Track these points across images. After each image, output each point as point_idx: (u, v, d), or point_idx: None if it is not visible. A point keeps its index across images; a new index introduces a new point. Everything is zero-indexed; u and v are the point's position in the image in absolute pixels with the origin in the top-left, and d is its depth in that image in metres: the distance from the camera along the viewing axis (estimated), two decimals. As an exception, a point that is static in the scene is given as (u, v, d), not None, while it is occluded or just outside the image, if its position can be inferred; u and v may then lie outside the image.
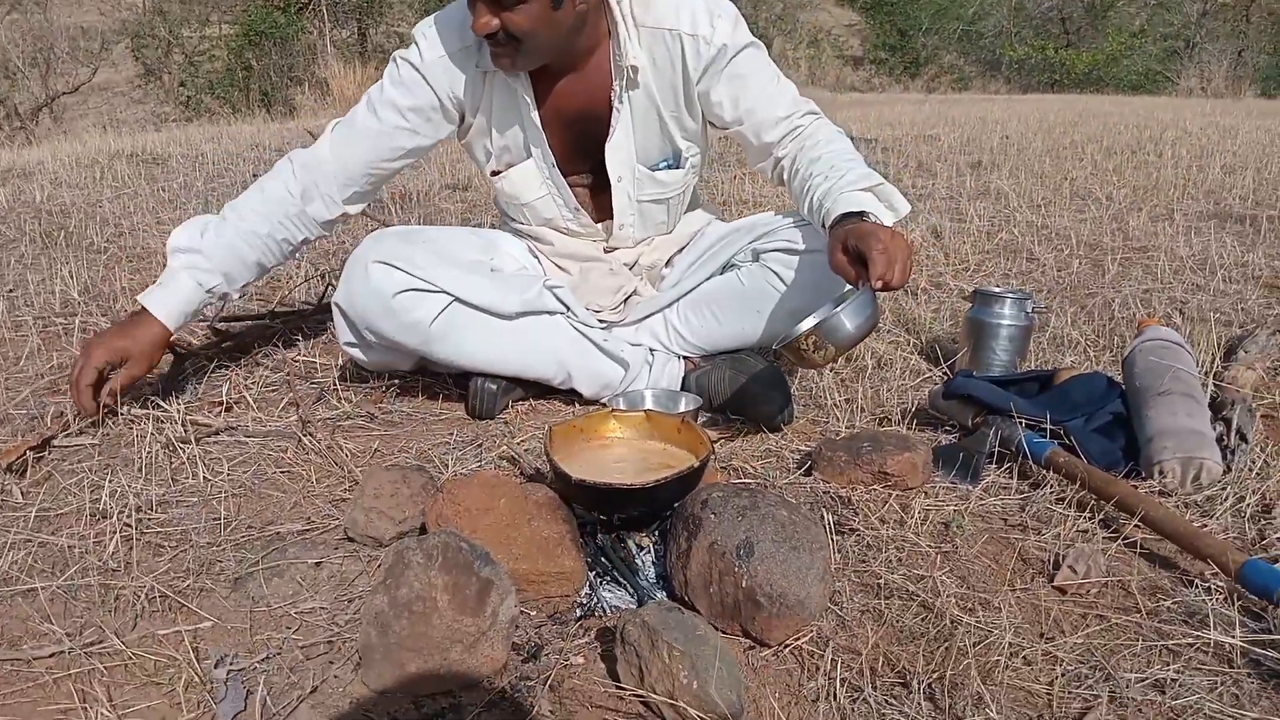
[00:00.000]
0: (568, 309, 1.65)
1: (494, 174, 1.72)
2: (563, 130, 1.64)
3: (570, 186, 1.70)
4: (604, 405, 1.67)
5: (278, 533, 1.28)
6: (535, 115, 1.60)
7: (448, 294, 1.53)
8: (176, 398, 1.68)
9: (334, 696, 0.97)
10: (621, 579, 1.16)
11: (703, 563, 1.08)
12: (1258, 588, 1.09)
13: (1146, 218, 3.22)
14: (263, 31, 10.39)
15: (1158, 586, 1.17)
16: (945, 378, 1.80)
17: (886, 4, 16.64)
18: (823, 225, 1.49)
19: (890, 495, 1.36)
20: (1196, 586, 1.15)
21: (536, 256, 1.80)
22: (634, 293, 1.79)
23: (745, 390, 1.62)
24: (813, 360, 1.39)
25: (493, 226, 2.00)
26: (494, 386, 1.65)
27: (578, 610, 1.12)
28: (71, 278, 2.33)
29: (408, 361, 1.68)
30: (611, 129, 1.62)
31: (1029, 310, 1.82)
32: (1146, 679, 0.99)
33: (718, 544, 1.07)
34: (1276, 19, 15.41)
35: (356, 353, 1.64)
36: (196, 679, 0.98)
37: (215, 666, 1.00)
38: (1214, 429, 1.45)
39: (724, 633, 1.06)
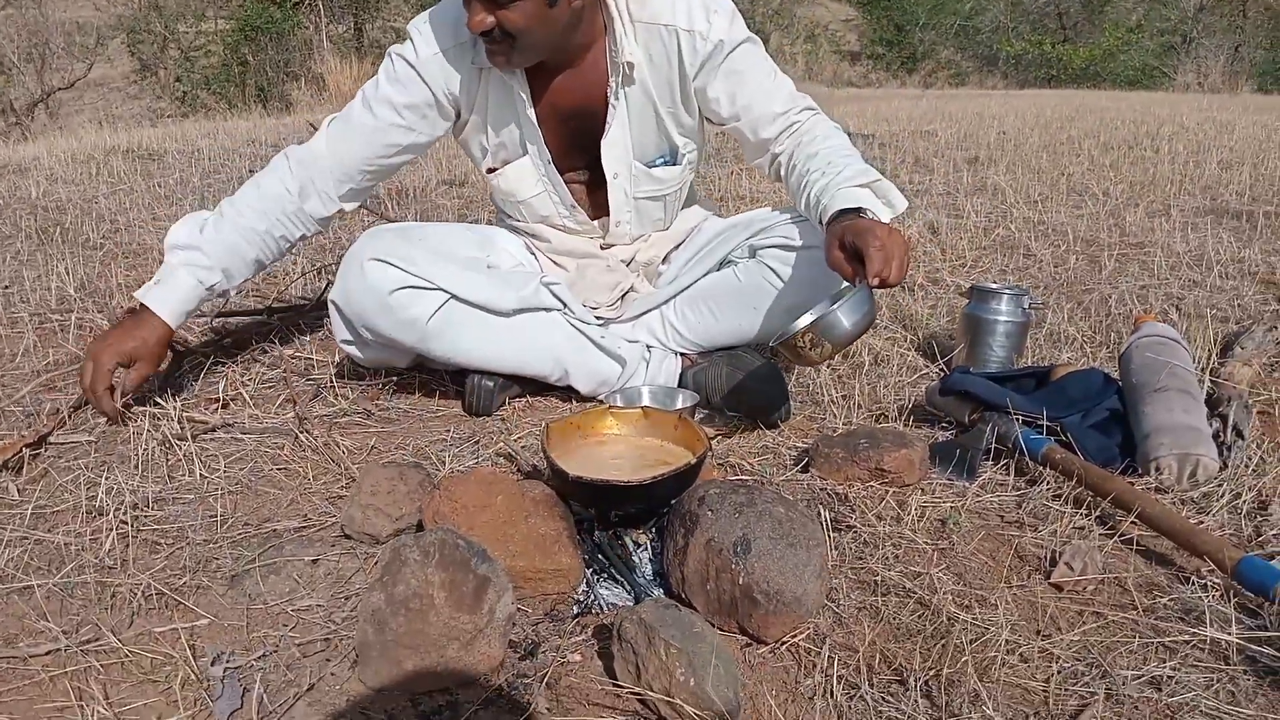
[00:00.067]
0: (565, 306, 1.64)
1: (490, 171, 1.72)
2: (559, 127, 1.63)
3: (566, 183, 1.69)
4: (601, 402, 1.67)
5: (274, 530, 1.28)
6: (531, 112, 1.60)
7: (444, 291, 1.53)
8: (173, 394, 1.68)
9: (331, 694, 0.97)
10: (618, 576, 1.16)
11: (700, 560, 1.08)
12: (1254, 584, 1.10)
13: (1143, 213, 3.22)
14: (258, 26, 10.34)
15: (1154, 583, 1.17)
16: (942, 374, 1.80)
17: (883, -1, 16.62)
18: (820, 221, 1.49)
19: (887, 492, 1.36)
20: (1193, 583, 1.15)
21: (533, 253, 1.80)
22: (631, 289, 1.78)
23: (742, 387, 1.62)
24: (810, 357, 1.38)
25: (489, 223, 2.00)
26: (491, 383, 1.65)
27: (575, 607, 1.12)
28: (67, 274, 2.32)
29: (404, 358, 1.68)
30: (608, 125, 1.62)
31: (1026, 306, 1.82)
32: (1143, 676, 1.00)
33: (715, 541, 1.07)
34: (1273, 14, 15.40)
35: (353, 350, 1.63)
36: (193, 676, 0.98)
37: (212, 664, 1.00)
38: (1210, 425, 1.45)
39: (721, 630, 1.06)
